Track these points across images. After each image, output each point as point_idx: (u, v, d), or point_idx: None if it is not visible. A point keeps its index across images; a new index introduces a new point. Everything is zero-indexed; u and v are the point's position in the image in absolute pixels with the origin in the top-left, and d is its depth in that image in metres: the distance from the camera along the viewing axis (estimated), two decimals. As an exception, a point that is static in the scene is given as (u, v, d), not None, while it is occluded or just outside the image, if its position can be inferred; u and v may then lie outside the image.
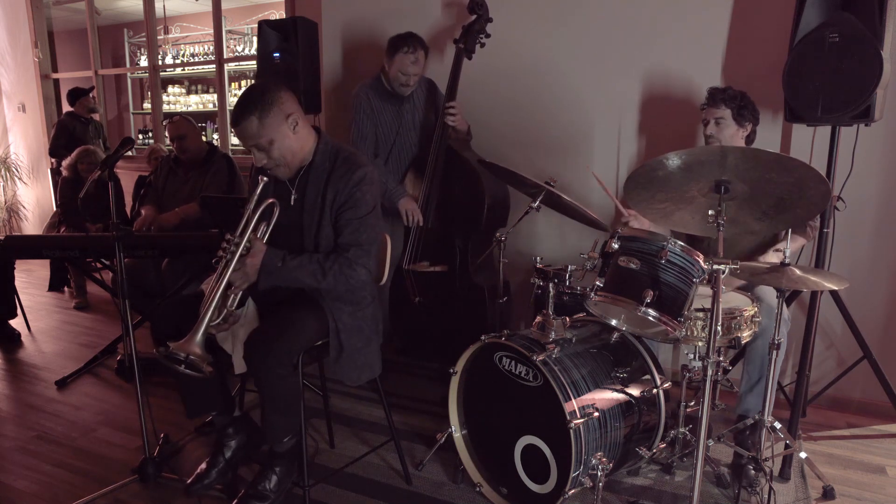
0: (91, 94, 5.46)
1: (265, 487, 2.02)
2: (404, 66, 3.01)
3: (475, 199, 3.03)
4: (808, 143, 2.79)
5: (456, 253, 3.10)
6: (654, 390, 2.13)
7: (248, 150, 1.99)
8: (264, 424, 1.99)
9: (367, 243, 2.02)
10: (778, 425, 2.10)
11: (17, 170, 6.41)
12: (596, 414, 1.92)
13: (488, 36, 3.13)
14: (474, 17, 3.08)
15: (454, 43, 3.11)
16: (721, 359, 2.24)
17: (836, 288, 1.85)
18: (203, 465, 2.17)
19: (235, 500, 2.03)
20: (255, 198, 1.97)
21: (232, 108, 5.36)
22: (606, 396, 2.01)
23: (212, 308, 1.85)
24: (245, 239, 1.92)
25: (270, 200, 1.98)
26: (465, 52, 3.06)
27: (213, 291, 1.87)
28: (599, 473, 1.89)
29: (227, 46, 5.76)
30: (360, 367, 2.11)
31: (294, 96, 2.03)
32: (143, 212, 3.60)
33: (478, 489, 2.21)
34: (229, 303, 1.93)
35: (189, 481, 2.14)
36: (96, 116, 5.50)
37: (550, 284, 2.09)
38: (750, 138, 2.52)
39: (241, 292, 1.95)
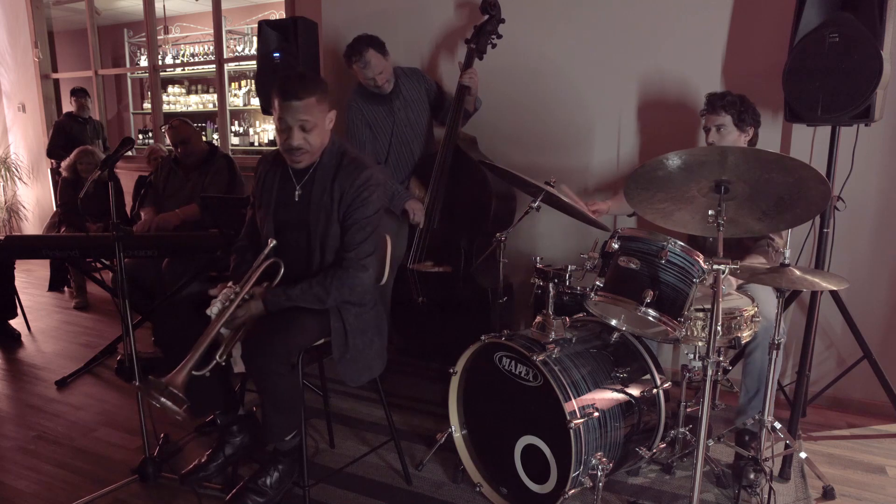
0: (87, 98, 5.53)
1: (265, 483, 2.02)
2: (362, 75, 3.01)
3: (481, 201, 3.02)
4: (808, 143, 2.79)
5: (460, 254, 3.09)
6: (654, 390, 2.13)
7: (284, 130, 1.98)
8: (264, 423, 1.98)
9: (370, 243, 2.04)
10: (778, 425, 2.10)
11: (17, 170, 6.41)
12: (596, 414, 1.92)
13: (500, 37, 3.11)
14: (486, 17, 3.06)
15: (465, 43, 3.10)
16: (721, 359, 2.24)
17: (835, 288, 1.85)
18: (202, 458, 2.17)
19: (234, 491, 2.03)
20: (264, 257, 2.03)
21: (231, 107, 5.40)
22: (606, 396, 2.01)
23: (202, 348, 1.86)
24: (246, 290, 1.97)
25: (272, 260, 2.03)
26: (477, 52, 3.05)
27: (207, 335, 1.89)
28: (599, 473, 1.89)
29: (227, 46, 5.76)
30: (361, 368, 2.12)
31: None
32: (142, 214, 3.60)
33: (478, 489, 2.21)
34: (218, 354, 1.93)
35: (185, 471, 2.14)
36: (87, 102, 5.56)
37: (550, 284, 2.09)
38: (752, 142, 2.49)
39: (230, 350, 1.97)
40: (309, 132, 1.99)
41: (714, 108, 2.42)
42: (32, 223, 6.52)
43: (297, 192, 2.09)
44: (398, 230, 3.09)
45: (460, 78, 3.02)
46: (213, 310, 1.94)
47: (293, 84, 1.96)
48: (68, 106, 5.70)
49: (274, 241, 2.04)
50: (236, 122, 6.53)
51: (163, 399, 1.75)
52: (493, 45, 3.12)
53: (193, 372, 1.84)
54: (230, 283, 1.99)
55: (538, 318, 2.12)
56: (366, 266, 2.03)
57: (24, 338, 3.90)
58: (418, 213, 3.05)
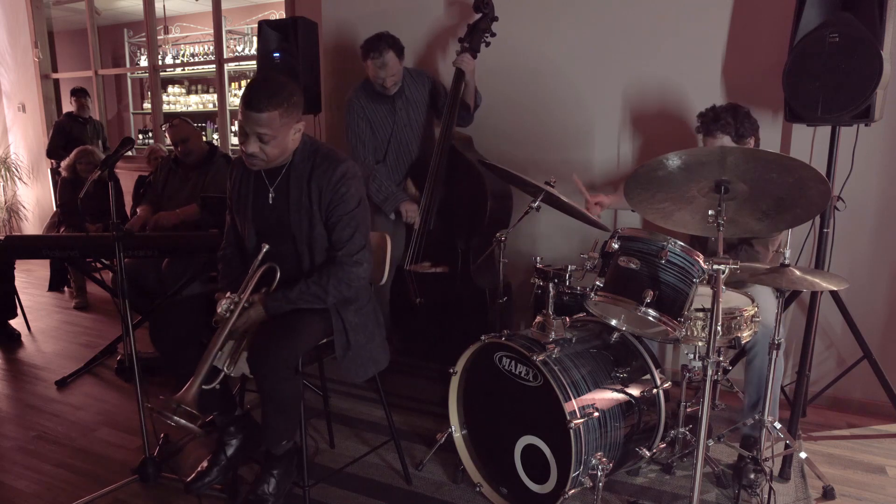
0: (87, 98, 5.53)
1: (264, 491, 2.01)
2: (374, 72, 3.01)
3: (478, 201, 3.02)
4: (808, 143, 2.79)
5: (457, 254, 3.09)
6: (654, 390, 2.13)
7: (243, 134, 1.94)
8: (264, 426, 1.99)
9: (360, 236, 2.03)
10: (778, 425, 2.10)
11: (17, 170, 6.41)
12: (596, 414, 1.92)
13: (493, 35, 3.11)
14: (480, 15, 3.06)
15: (459, 42, 3.09)
16: (721, 359, 2.24)
17: (835, 288, 1.85)
18: (204, 464, 2.17)
19: None
20: (258, 261, 2.02)
21: (231, 107, 5.41)
22: (606, 396, 2.01)
23: (209, 361, 1.87)
24: (244, 299, 1.97)
25: (268, 265, 2.02)
26: (471, 51, 3.05)
27: (213, 345, 1.89)
28: (599, 473, 1.89)
29: (227, 46, 5.76)
30: (365, 364, 2.12)
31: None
32: (138, 211, 3.60)
33: (478, 489, 2.21)
34: (225, 364, 1.94)
35: (189, 479, 2.14)
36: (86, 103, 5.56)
37: (550, 284, 2.09)
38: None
39: (234, 363, 1.97)
40: (266, 143, 1.94)
41: (710, 132, 2.38)
42: (32, 223, 6.52)
43: (270, 195, 2.07)
44: (394, 231, 3.09)
45: (454, 63, 3.02)
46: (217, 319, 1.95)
47: (259, 94, 1.89)
48: (68, 106, 5.70)
49: (267, 246, 2.03)
50: (236, 122, 6.51)
51: (176, 417, 1.75)
52: (487, 44, 3.11)
53: (203, 386, 1.84)
54: (228, 294, 1.98)
55: (538, 318, 2.12)
56: (359, 261, 2.01)
57: (24, 338, 3.90)
58: (412, 213, 3.05)
